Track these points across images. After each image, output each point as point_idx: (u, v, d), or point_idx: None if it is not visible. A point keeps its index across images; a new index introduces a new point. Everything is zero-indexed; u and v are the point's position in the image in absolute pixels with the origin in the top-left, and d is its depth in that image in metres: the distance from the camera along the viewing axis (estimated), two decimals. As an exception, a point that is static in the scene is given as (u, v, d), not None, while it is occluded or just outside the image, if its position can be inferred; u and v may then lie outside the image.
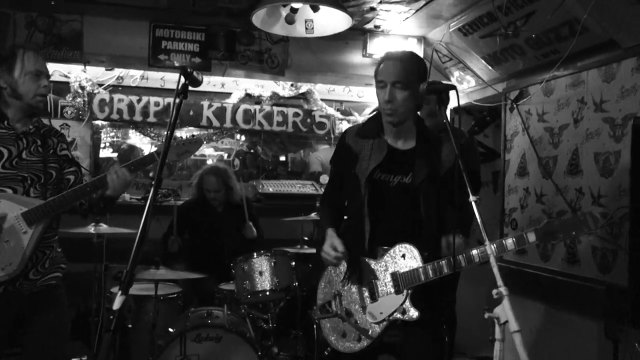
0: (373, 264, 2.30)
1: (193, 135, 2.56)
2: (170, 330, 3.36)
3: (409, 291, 2.21)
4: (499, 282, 1.67)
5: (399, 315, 2.22)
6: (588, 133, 3.53)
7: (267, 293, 3.61)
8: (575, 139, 3.64)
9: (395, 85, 2.25)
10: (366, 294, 2.29)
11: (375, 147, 2.34)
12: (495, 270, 1.71)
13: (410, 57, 2.32)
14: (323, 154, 6.01)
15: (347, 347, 2.30)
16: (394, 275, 2.24)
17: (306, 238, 4.68)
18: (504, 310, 1.64)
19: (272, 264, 3.64)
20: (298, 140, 6.13)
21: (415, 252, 2.22)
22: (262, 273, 3.62)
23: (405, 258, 2.24)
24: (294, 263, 3.76)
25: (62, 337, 2.51)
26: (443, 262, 2.15)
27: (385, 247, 2.28)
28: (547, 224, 2.04)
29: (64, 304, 2.55)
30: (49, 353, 2.41)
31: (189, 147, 2.48)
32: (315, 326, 3.56)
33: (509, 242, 2.05)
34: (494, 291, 1.67)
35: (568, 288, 3.62)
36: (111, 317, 1.27)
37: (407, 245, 2.24)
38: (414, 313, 2.20)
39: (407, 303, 2.21)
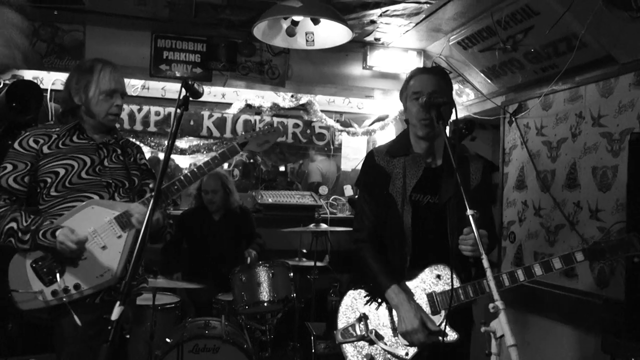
0: (407, 283, 2.23)
1: (271, 125, 2.57)
2: (168, 340, 3.35)
3: (446, 312, 2.15)
4: (495, 296, 1.67)
5: (436, 338, 2.14)
6: (586, 147, 3.55)
7: (265, 304, 3.62)
8: (574, 153, 3.66)
9: (432, 95, 2.22)
10: (396, 316, 2.20)
11: (409, 164, 2.29)
12: (492, 284, 1.71)
13: (443, 72, 2.37)
14: (323, 164, 6.02)
15: None
16: (430, 296, 2.19)
17: (304, 251, 4.69)
18: (500, 324, 1.64)
19: (271, 275, 3.64)
20: (298, 150, 6.15)
21: (451, 272, 2.14)
22: (261, 284, 3.62)
23: (440, 278, 2.19)
24: (292, 274, 3.76)
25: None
26: (484, 282, 2.11)
27: (419, 270, 2.23)
28: (595, 244, 2.05)
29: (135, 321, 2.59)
30: None
31: (268, 137, 2.50)
32: (312, 338, 3.57)
33: (556, 261, 2.08)
34: (490, 305, 1.67)
35: (566, 302, 3.62)
36: (109, 327, 1.28)
37: (441, 266, 2.20)
38: (452, 335, 2.14)
39: (444, 324, 2.15)
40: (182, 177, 2.35)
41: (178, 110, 1.73)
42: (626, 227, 2.70)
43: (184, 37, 4.65)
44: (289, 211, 5.21)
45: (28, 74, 4.69)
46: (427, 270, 2.21)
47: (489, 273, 1.77)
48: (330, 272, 4.65)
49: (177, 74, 4.64)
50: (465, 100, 4.90)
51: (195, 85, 1.78)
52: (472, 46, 4.19)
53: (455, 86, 4.87)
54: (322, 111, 5.70)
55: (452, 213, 2.22)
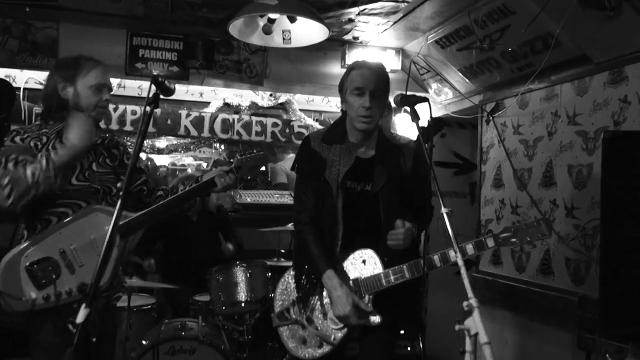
0: (342, 268, 2.30)
1: (260, 151, 2.56)
2: (144, 342, 3.30)
3: (371, 296, 2.22)
4: (470, 293, 1.68)
5: (361, 321, 2.22)
6: (562, 146, 3.58)
7: (243, 304, 3.59)
8: (550, 152, 3.69)
9: (375, 93, 2.28)
10: (327, 300, 2.29)
11: (343, 151, 2.35)
12: (466, 281, 1.72)
13: (383, 68, 2.40)
14: (288, 164, 5.95)
15: (308, 353, 2.30)
16: (355, 281, 2.25)
17: (283, 251, 4.66)
18: (475, 322, 1.64)
19: (248, 275, 3.61)
20: (278, 150, 6.11)
21: (376, 257, 2.24)
22: (238, 284, 3.59)
23: (365, 264, 2.26)
24: (269, 274, 3.74)
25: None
26: (404, 266, 2.18)
27: (343, 254, 2.30)
28: (504, 229, 2.13)
29: (117, 325, 2.56)
30: None
31: (257, 162, 2.53)
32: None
33: (469, 247, 2.12)
34: (465, 303, 1.67)
35: (542, 299, 3.64)
36: (74, 330, 1.24)
37: (367, 251, 2.26)
38: (375, 318, 2.20)
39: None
40: (171, 199, 2.40)
41: (148, 108, 1.68)
42: (600, 224, 2.72)
43: (160, 35, 4.58)
44: (268, 211, 5.18)
45: (0, 72, 4.59)
46: (353, 255, 2.28)
47: (463, 271, 1.77)
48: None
49: (154, 72, 4.58)
50: (444, 99, 4.91)
51: (166, 82, 1.75)
52: (450, 45, 4.20)
53: (434, 85, 4.89)
54: (301, 110, 5.68)
55: (384, 201, 2.29)
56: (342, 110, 2.44)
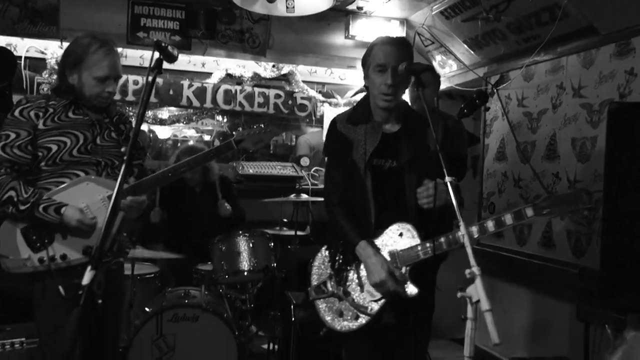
0: (374, 241, 2.28)
1: (267, 125, 2.59)
2: (147, 309, 3.34)
3: (408, 268, 2.21)
4: (472, 261, 1.68)
5: (399, 288, 2.20)
6: (566, 118, 3.57)
7: (245, 273, 3.61)
8: (553, 125, 3.67)
9: (397, 69, 2.22)
10: (363, 272, 2.27)
11: (369, 131, 2.33)
12: (469, 250, 1.72)
13: (406, 43, 2.34)
14: (312, 137, 5.93)
15: (345, 325, 2.29)
16: (392, 254, 2.24)
17: (285, 220, 4.68)
18: (476, 290, 1.64)
19: (251, 244, 3.63)
20: (280, 122, 6.08)
21: (414, 231, 2.23)
22: (240, 253, 3.61)
23: (402, 237, 2.24)
24: (272, 244, 3.76)
25: (116, 324, 2.54)
26: (442, 239, 2.14)
27: (382, 229, 2.28)
28: (545, 199, 2.05)
29: (123, 291, 2.60)
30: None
31: (262, 137, 2.54)
32: (292, 307, 3.58)
33: (507, 217, 2.05)
34: (467, 271, 1.67)
35: (543, 271, 3.67)
36: (80, 292, 1.26)
37: (405, 224, 2.25)
38: (413, 289, 2.19)
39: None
40: (172, 169, 2.44)
41: (151, 75, 1.67)
42: (603, 197, 2.72)
43: (162, 3, 4.52)
44: (270, 182, 5.17)
45: (0, 41, 4.55)
46: (390, 228, 2.27)
47: (466, 239, 1.78)
48: (311, 243, 4.66)
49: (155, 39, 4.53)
50: (448, 72, 4.87)
51: (169, 47, 1.73)
52: (455, 16, 4.15)
53: (438, 57, 4.84)
54: (303, 82, 5.62)
55: (409, 176, 2.28)
56: (364, 86, 2.40)
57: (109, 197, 2.27)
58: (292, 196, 4.22)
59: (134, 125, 2.50)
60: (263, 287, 3.81)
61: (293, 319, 3.50)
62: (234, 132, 2.51)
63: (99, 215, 2.31)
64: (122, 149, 2.43)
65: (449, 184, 1.83)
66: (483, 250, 4.16)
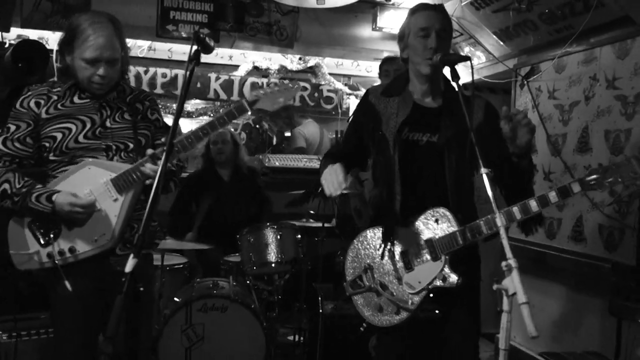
0: (404, 232, 2.18)
1: (283, 82, 2.35)
2: (176, 299, 3.38)
3: (447, 257, 2.09)
4: (509, 254, 1.66)
5: (439, 283, 2.10)
6: (599, 110, 3.50)
7: (273, 265, 3.63)
8: (586, 117, 3.61)
9: (441, 34, 2.15)
10: (400, 264, 2.17)
11: (401, 103, 2.23)
12: (505, 242, 1.70)
13: (445, 10, 2.25)
14: (307, 128, 5.88)
15: (386, 320, 2.18)
16: (429, 242, 2.13)
17: (312, 212, 4.68)
18: (513, 282, 1.62)
19: (278, 236, 3.65)
20: (305, 114, 6.09)
21: (449, 215, 2.11)
22: (268, 245, 3.63)
23: (439, 223, 2.12)
24: (299, 236, 3.77)
25: (143, 325, 2.34)
26: (481, 222, 2.03)
27: (415, 215, 2.16)
28: (591, 172, 1.96)
29: (149, 287, 2.39)
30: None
31: (281, 95, 2.19)
32: (320, 299, 3.59)
33: (552, 195, 1.96)
34: (503, 263, 1.65)
35: (573, 266, 3.62)
36: (123, 279, 1.28)
37: (440, 210, 2.13)
38: (454, 278, 2.08)
39: (447, 269, 2.09)
40: (185, 138, 2.15)
41: (190, 65, 1.68)
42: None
43: (191, -4, 4.57)
44: (296, 174, 5.19)
45: (33, 34, 4.63)
46: (425, 214, 2.15)
47: (502, 232, 1.75)
48: (337, 235, 4.66)
49: (184, 35, 4.57)
50: (477, 64, 4.81)
51: (207, 39, 1.74)
52: (485, 7, 4.09)
53: (466, 49, 4.79)
54: (330, 74, 5.62)
55: (450, 153, 2.15)
56: (403, 58, 2.29)
57: (113, 180, 2.15)
58: (320, 189, 4.21)
59: (151, 104, 2.38)
60: (290, 279, 3.83)
61: (320, 311, 3.51)
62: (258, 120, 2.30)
63: (102, 200, 2.16)
64: (162, 139, 2.29)
65: (484, 175, 1.79)
66: (511, 244, 4.09)
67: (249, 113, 2.16)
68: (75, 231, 2.15)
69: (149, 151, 2.13)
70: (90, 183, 2.17)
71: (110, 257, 2.21)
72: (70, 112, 2.22)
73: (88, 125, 2.21)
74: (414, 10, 2.23)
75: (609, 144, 3.41)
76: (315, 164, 5.32)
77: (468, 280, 2.12)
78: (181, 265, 3.80)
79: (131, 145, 2.26)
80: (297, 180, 4.95)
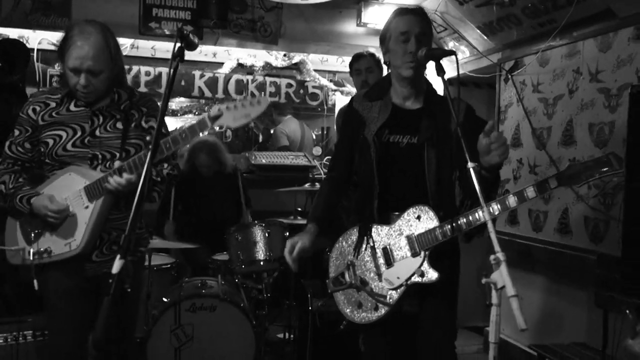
0: (386, 229, 2.23)
1: (254, 96, 2.33)
2: (165, 300, 3.36)
3: (426, 252, 2.14)
4: (497, 247, 1.66)
5: (417, 279, 2.14)
6: (583, 104, 3.53)
7: (261, 263, 3.62)
8: (570, 110, 3.63)
9: (421, 38, 2.19)
10: (381, 260, 2.22)
11: (382, 106, 2.29)
12: (493, 236, 1.70)
13: (425, 13, 2.29)
14: (287, 126, 5.86)
15: (364, 317, 2.23)
16: (409, 238, 2.18)
17: (299, 209, 4.68)
18: (501, 276, 1.63)
19: (266, 234, 3.64)
20: (284, 111, 6.06)
21: (431, 212, 2.15)
22: (256, 243, 3.62)
23: (420, 220, 2.17)
24: (287, 233, 3.76)
25: (125, 330, 2.40)
26: (461, 219, 2.08)
27: (397, 213, 2.22)
28: (569, 167, 1.99)
29: (131, 293, 2.33)
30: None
31: (249, 110, 2.05)
32: (309, 296, 3.59)
33: (530, 190, 1.99)
34: (492, 257, 1.66)
35: (560, 258, 3.65)
36: (110, 280, 1.26)
37: (422, 207, 2.17)
38: (433, 274, 2.12)
39: (425, 265, 2.14)
40: (143, 154, 2.17)
41: (174, 62, 1.66)
42: (625, 181, 2.70)
43: (174, -7, 4.52)
44: (282, 172, 5.17)
45: (13, 33, 4.56)
46: (407, 211, 2.20)
47: (490, 225, 1.76)
48: (324, 232, 4.65)
49: (167, 32, 4.53)
50: (461, 58, 4.83)
51: (191, 35, 1.72)
52: (469, 1, 4.11)
53: (450, 43, 4.80)
54: (315, 70, 5.61)
55: (429, 153, 2.21)
56: (384, 62, 2.34)
57: (86, 188, 2.21)
58: (307, 185, 4.21)
59: (149, 112, 2.39)
60: (279, 276, 3.82)
61: (310, 307, 3.51)
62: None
63: (75, 207, 2.23)
64: (148, 138, 2.32)
65: (471, 169, 1.80)
66: (498, 237, 4.12)
67: (210, 128, 2.11)
68: (53, 233, 2.25)
69: (117, 163, 2.17)
70: (69, 189, 2.25)
71: (86, 264, 2.27)
72: (63, 120, 2.28)
73: (78, 134, 2.27)
74: (393, 16, 2.28)
75: (593, 136, 3.44)
76: (302, 160, 5.32)
77: (448, 276, 2.17)
78: (169, 265, 3.78)
79: (118, 155, 2.28)
80: (284, 178, 4.94)
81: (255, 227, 3.65)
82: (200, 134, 2.15)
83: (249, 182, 4.73)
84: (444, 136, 2.20)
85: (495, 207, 2.05)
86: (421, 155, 2.22)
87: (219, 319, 3.29)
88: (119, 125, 2.32)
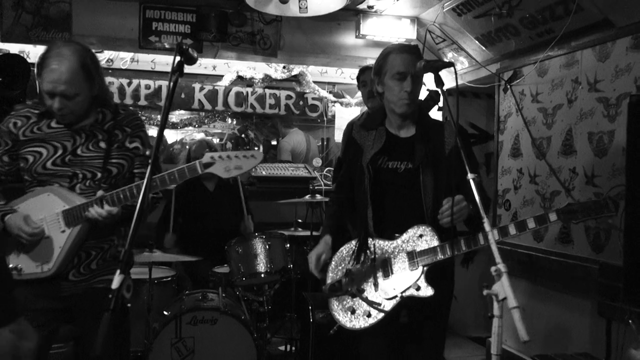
0: (388, 244, 2.31)
1: (247, 148, 2.32)
2: (166, 313, 3.35)
3: (425, 268, 2.22)
4: (498, 259, 1.66)
5: (412, 292, 2.21)
6: (582, 113, 3.54)
7: (262, 275, 3.60)
8: (569, 119, 3.64)
9: (415, 78, 2.28)
10: (380, 272, 2.29)
11: (377, 136, 2.40)
12: (494, 247, 1.70)
13: (418, 49, 2.42)
14: (292, 138, 5.85)
15: (356, 323, 2.30)
16: (410, 254, 2.26)
17: (300, 220, 4.67)
18: (503, 287, 1.63)
19: (267, 246, 3.62)
20: (290, 123, 6.09)
21: (432, 232, 2.24)
22: (257, 255, 3.60)
23: (422, 238, 2.26)
24: (288, 245, 3.75)
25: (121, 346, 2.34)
26: (462, 240, 2.19)
27: (398, 234, 2.30)
28: (569, 205, 2.10)
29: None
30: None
31: (242, 163, 2.05)
32: (310, 308, 3.58)
33: (530, 221, 2.12)
34: (493, 268, 1.66)
35: (561, 267, 3.64)
36: (110, 296, 1.26)
37: (425, 227, 2.26)
38: (428, 290, 2.20)
39: (422, 280, 2.21)
40: (128, 188, 2.13)
41: (173, 77, 1.66)
42: (625, 190, 2.70)
43: (173, 7, 4.54)
44: (283, 183, 5.18)
45: (14, 48, 4.58)
46: (410, 230, 2.28)
47: (490, 237, 1.76)
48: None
49: (167, 46, 4.55)
50: (459, 69, 4.84)
51: (190, 50, 1.73)
52: (467, 12, 4.13)
53: (449, 54, 4.82)
54: (314, 82, 5.64)
55: (424, 177, 2.29)
56: (376, 92, 2.43)
57: (64, 212, 2.16)
58: (307, 197, 4.21)
59: (135, 131, 2.34)
60: (280, 288, 3.80)
61: (311, 320, 3.49)
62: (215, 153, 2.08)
63: (52, 229, 2.18)
64: (147, 152, 2.31)
65: (471, 181, 1.83)
66: (499, 247, 4.11)
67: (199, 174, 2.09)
68: (24, 252, 2.19)
69: (99, 193, 2.14)
70: (46, 210, 2.19)
71: (62, 282, 2.23)
72: (44, 137, 2.24)
73: (59, 152, 2.22)
74: (389, 52, 2.35)
75: (592, 145, 3.44)
76: (302, 172, 5.32)
77: (441, 296, 2.25)
78: (169, 278, 3.76)
79: (99, 175, 2.24)
80: (284, 189, 4.94)
81: (255, 240, 3.64)
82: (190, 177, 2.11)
83: (249, 193, 4.73)
84: (438, 159, 2.30)
85: (496, 233, 2.14)
86: (417, 178, 2.30)
87: (220, 332, 3.28)
88: (102, 144, 2.27)
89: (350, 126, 2.55)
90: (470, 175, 1.84)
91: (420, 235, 2.26)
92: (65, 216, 2.18)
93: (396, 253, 2.28)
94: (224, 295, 3.48)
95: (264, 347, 3.57)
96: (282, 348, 4.16)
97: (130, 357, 2.95)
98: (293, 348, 3.95)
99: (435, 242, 2.23)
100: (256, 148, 6.24)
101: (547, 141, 3.84)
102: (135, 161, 2.34)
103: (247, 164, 2.05)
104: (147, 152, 2.38)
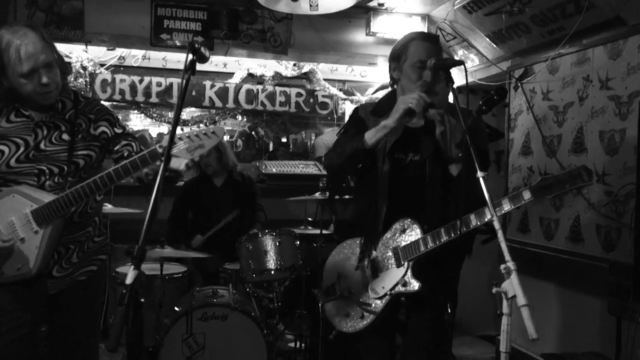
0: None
1: (206, 124, 2.26)
2: (177, 309, 3.38)
3: (410, 263, 2.21)
4: (507, 257, 1.67)
5: (400, 288, 2.22)
6: (593, 111, 3.52)
7: (272, 272, 3.63)
8: (580, 117, 3.63)
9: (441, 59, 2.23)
10: (368, 272, 2.31)
11: None
12: (503, 245, 1.70)
13: (439, 39, 2.35)
14: (328, 136, 5.92)
15: (352, 326, 2.32)
16: (394, 250, 2.25)
17: (310, 219, 4.68)
18: (512, 285, 1.63)
19: (277, 243, 3.65)
20: (300, 120, 6.10)
21: (415, 225, 2.21)
22: (267, 252, 3.63)
23: (405, 233, 2.24)
24: (298, 242, 3.77)
25: (89, 335, 2.32)
26: (442, 228, 2.13)
27: (388, 226, 2.29)
28: (542, 180, 2.02)
29: (95, 301, 2.33)
30: (73, 350, 2.26)
31: (203, 141, 1.97)
32: (320, 305, 3.59)
33: (505, 202, 2.02)
34: (502, 266, 1.66)
35: (571, 266, 3.63)
36: (124, 291, 1.28)
37: (407, 220, 2.24)
38: (415, 284, 2.18)
39: (408, 275, 2.20)
40: (97, 179, 2.04)
41: (185, 75, 1.68)
42: (636, 189, 2.69)
43: (184, 4, 4.57)
44: (293, 181, 5.19)
45: (27, 46, 4.62)
46: (393, 226, 2.27)
47: (500, 235, 1.76)
48: (335, 241, 4.66)
49: (178, 44, 4.58)
50: (470, 66, 4.84)
51: (202, 48, 1.74)
52: (478, 10, 4.12)
53: (460, 52, 4.81)
54: (325, 80, 5.63)
55: (430, 170, 2.24)
56: (392, 77, 2.36)
57: (33, 212, 2.08)
58: (317, 194, 4.22)
59: (98, 117, 2.22)
60: (290, 285, 3.82)
61: (321, 316, 3.50)
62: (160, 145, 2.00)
63: (24, 231, 2.10)
64: (123, 142, 2.23)
65: (481, 179, 1.81)
66: (509, 245, 4.10)
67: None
68: (2, 258, 2.12)
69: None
70: (13, 212, 2.10)
71: (48, 280, 2.19)
72: (4, 133, 2.13)
73: (22, 149, 2.12)
74: (411, 39, 2.28)
75: (603, 144, 3.43)
76: (312, 169, 5.34)
77: (433, 286, 2.21)
78: (180, 275, 3.80)
79: (66, 169, 2.15)
80: (294, 187, 4.95)
81: (265, 236, 3.66)
82: (152, 163, 2.02)
83: (259, 190, 4.75)
84: (442, 153, 2.23)
85: (473, 217, 2.07)
86: (423, 171, 2.27)
87: (230, 328, 3.30)
88: (65, 136, 2.16)
89: (357, 109, 2.47)
90: (480, 174, 1.82)
91: (403, 230, 2.25)
92: (35, 216, 2.09)
93: (382, 251, 2.29)
94: (234, 291, 3.51)
95: (273, 343, 3.59)
96: (292, 345, 4.18)
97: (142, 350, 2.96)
98: (303, 345, 3.97)
99: (417, 235, 2.20)
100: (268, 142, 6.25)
101: (558, 139, 3.83)
102: (111, 142, 2.25)
103: (208, 142, 1.98)
104: (126, 130, 2.30)
